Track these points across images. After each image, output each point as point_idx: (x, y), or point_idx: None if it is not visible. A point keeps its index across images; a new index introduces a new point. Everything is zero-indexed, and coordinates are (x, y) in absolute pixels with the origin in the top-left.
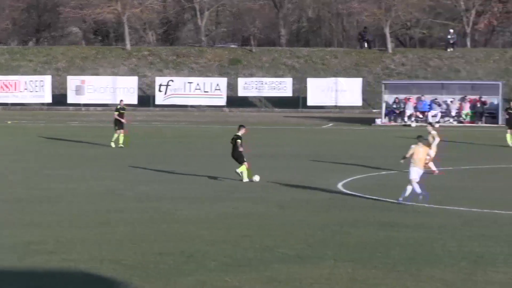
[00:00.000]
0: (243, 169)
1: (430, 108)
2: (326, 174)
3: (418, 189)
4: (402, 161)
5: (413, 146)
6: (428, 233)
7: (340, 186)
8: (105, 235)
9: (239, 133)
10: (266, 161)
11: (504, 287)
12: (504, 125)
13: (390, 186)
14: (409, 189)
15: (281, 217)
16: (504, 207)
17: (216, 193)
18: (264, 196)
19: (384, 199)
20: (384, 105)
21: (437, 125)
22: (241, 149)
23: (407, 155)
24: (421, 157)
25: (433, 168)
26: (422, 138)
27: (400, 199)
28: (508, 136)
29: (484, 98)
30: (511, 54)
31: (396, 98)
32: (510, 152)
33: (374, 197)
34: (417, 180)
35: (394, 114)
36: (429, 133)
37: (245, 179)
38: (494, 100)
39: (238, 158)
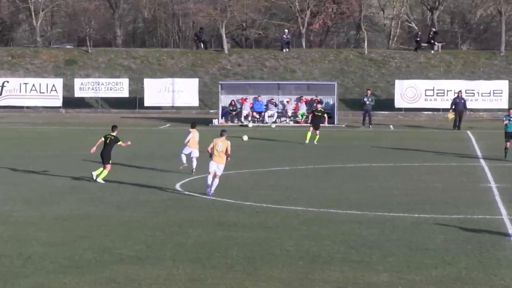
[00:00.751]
0: (100, 171)
1: (267, 109)
2: (164, 174)
3: (208, 181)
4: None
5: (214, 139)
6: (266, 232)
7: (178, 186)
8: None
9: (114, 134)
10: None
11: (340, 285)
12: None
13: (228, 186)
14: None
15: (119, 218)
16: (340, 207)
17: (53, 194)
18: (103, 197)
19: (222, 199)
20: (220, 106)
21: (273, 126)
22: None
23: (208, 148)
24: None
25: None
26: (225, 132)
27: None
28: (308, 133)
29: (320, 98)
30: (345, 54)
31: (232, 101)
32: (315, 148)
33: (212, 197)
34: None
35: (231, 115)
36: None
37: (100, 180)
38: (330, 100)
39: (106, 158)
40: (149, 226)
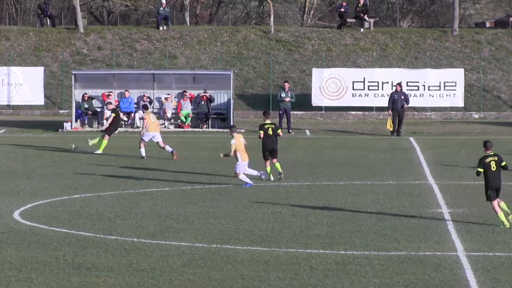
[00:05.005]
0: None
1: (138, 108)
2: (1, 198)
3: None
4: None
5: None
6: (138, 278)
7: (17, 215)
8: None
9: None
10: None
11: None
12: None
13: (85, 214)
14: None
15: None
16: (238, 241)
17: None
18: None
19: (77, 232)
20: (74, 104)
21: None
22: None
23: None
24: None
25: None
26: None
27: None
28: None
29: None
30: (244, 33)
31: (85, 94)
32: None
33: (65, 229)
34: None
35: (88, 116)
36: None
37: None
38: (223, 95)
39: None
40: None
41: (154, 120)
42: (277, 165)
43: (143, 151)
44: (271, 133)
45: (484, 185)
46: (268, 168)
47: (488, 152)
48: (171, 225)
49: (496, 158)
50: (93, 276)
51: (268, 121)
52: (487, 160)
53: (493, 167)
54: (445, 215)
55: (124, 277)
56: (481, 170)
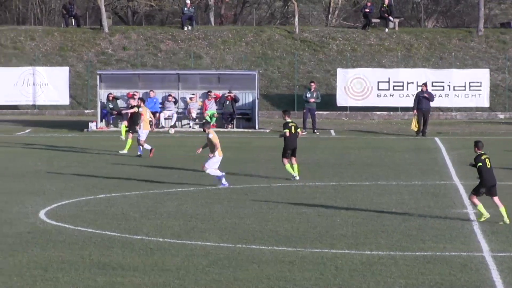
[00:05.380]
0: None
1: (163, 108)
2: (23, 198)
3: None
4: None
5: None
6: (164, 277)
7: (43, 215)
8: None
9: None
10: None
11: None
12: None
13: (111, 214)
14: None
15: None
16: (263, 241)
17: None
18: None
19: (102, 232)
20: (99, 104)
21: (172, 131)
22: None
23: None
24: None
25: None
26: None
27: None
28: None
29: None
30: (269, 34)
31: (110, 94)
32: None
33: (90, 229)
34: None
35: (113, 116)
36: None
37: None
38: (248, 96)
39: None
40: (3, 270)
41: (148, 117)
42: (296, 167)
43: (147, 146)
44: (293, 131)
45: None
46: (288, 166)
47: (480, 151)
48: (196, 225)
49: (488, 157)
50: (118, 276)
51: (290, 120)
52: (482, 157)
53: (488, 165)
54: (470, 216)
55: (150, 277)
56: (481, 164)
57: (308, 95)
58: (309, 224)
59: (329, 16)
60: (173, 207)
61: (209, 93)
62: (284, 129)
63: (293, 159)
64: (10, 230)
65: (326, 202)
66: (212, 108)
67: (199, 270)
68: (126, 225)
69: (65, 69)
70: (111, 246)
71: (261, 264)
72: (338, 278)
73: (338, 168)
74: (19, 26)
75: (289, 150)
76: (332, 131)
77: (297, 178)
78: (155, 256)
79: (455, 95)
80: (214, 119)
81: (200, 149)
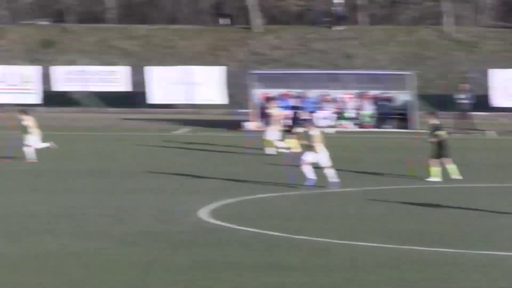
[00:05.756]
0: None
1: (319, 108)
2: (185, 197)
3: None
4: None
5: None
6: (330, 277)
7: (205, 213)
8: None
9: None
10: (93, 180)
11: None
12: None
13: (273, 214)
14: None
15: (125, 256)
16: (426, 243)
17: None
18: (101, 228)
19: (265, 231)
20: (255, 104)
21: (333, 131)
22: None
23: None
24: None
25: None
26: None
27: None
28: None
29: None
30: (421, 34)
31: (265, 94)
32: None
33: (253, 229)
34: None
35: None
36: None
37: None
38: (403, 96)
39: None
40: (167, 267)
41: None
42: (453, 168)
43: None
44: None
45: None
46: (439, 169)
47: None
48: (359, 225)
49: None
50: (282, 276)
51: (438, 122)
52: None
53: None
54: None
55: (315, 277)
56: None
57: (462, 96)
58: (472, 225)
59: (482, 16)
60: (335, 207)
61: (364, 93)
62: (439, 131)
63: (448, 161)
64: (173, 229)
65: (488, 203)
66: (368, 108)
67: (365, 271)
68: (288, 225)
69: (222, 69)
70: (274, 245)
71: (424, 266)
72: (505, 281)
73: (500, 169)
74: (170, 25)
75: (445, 152)
76: (491, 132)
77: (459, 178)
78: (320, 256)
79: None
80: (369, 119)
81: None
